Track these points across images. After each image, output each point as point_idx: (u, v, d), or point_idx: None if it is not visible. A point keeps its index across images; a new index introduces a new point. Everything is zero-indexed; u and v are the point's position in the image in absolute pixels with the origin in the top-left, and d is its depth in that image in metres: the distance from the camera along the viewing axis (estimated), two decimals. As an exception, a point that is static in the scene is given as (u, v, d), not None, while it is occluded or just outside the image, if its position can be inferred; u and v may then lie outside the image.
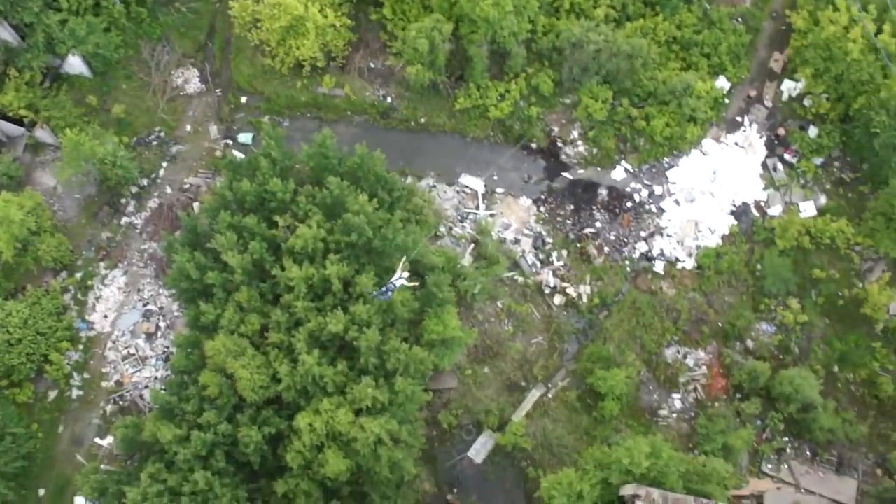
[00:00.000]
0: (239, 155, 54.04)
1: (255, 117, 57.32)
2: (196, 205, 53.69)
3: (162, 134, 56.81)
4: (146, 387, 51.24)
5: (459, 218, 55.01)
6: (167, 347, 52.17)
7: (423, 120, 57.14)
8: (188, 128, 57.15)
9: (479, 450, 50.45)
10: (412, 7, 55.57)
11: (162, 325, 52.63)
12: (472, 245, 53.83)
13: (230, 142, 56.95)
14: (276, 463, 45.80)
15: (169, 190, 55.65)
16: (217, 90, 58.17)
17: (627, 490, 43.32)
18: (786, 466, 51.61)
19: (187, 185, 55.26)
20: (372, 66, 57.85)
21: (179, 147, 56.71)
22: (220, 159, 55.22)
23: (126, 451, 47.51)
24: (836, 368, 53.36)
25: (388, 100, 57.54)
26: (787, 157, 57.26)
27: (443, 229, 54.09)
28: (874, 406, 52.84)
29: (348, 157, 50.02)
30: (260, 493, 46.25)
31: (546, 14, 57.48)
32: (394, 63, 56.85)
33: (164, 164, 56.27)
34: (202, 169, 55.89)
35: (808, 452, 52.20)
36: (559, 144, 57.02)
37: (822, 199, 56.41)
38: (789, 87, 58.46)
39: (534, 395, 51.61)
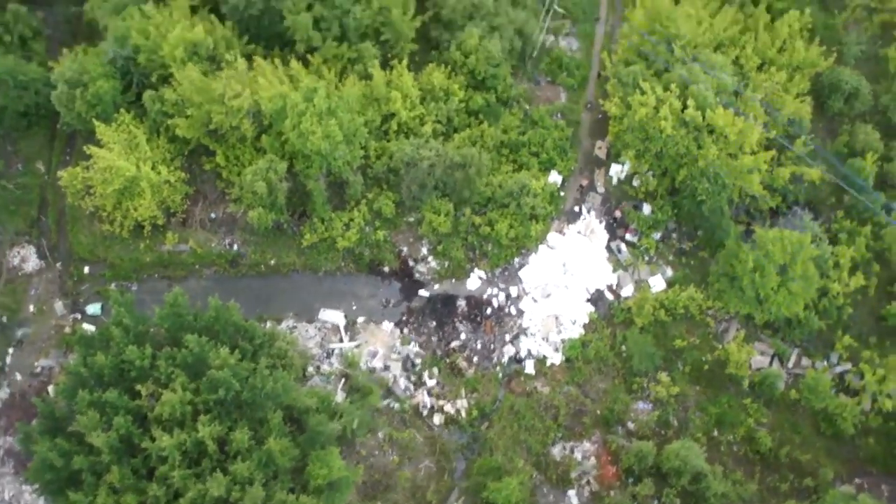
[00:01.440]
0: (90, 328, 61.41)
1: (102, 286, 65.11)
2: (51, 388, 59.55)
3: (4, 319, 62.42)
4: None
5: (325, 354, 63.77)
6: (39, 552, 56.22)
7: (272, 262, 66.36)
8: (31, 308, 63.76)
9: (387, 589, 57.24)
10: (244, 151, 65.39)
11: (30, 527, 56.69)
12: (343, 380, 62.38)
13: (79, 316, 64.28)
14: None
15: (19, 377, 61.53)
16: (57, 264, 65.66)
17: None
18: (690, 539, 61.16)
19: (39, 369, 61.35)
20: (213, 216, 67.07)
21: (25, 330, 63.21)
22: (70, 336, 62.13)
23: None
24: (715, 433, 64.96)
25: (235, 247, 66.52)
26: (628, 237, 70.37)
27: (311, 369, 62.56)
28: (757, 461, 65.09)
29: (203, 313, 57.81)
30: None
31: (376, 138, 68.87)
32: (234, 210, 66.24)
33: (11, 351, 62.63)
34: (53, 349, 61.65)
35: (707, 520, 62.06)
36: (411, 263, 67.55)
37: (669, 272, 69.35)
38: (617, 171, 72.16)
39: (433, 522, 59.45)
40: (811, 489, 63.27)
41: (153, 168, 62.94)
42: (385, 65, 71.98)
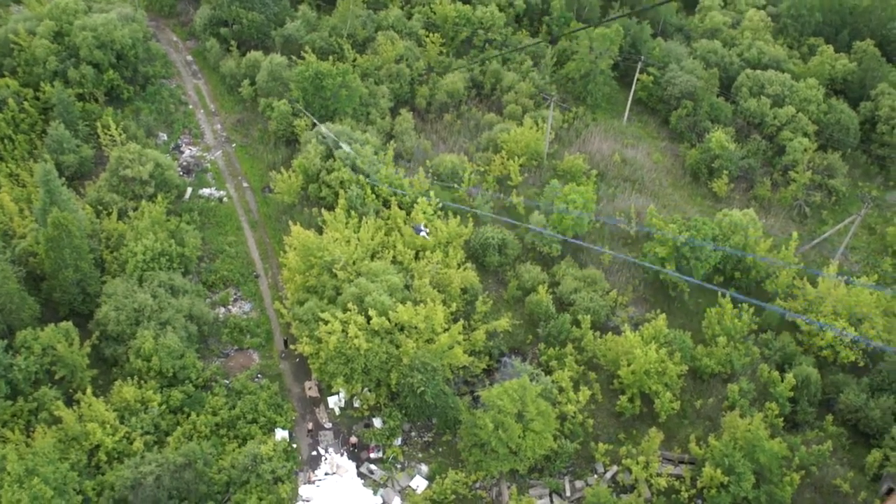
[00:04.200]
0: None
1: None
2: None
3: None
4: None
5: None
6: None
7: None
8: None
9: None
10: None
11: None
12: None
13: None
14: None
15: None
16: None
17: None
18: None
19: None
20: None
21: None
22: None
23: None
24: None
25: None
26: (373, 455, 73.20)
27: None
28: None
29: None
30: None
31: (90, 476, 68.01)
32: None
33: None
34: None
35: None
36: (177, 584, 64.38)
37: (424, 468, 73.10)
38: (335, 401, 76.00)
39: None
40: None
41: None
42: (70, 401, 71.58)
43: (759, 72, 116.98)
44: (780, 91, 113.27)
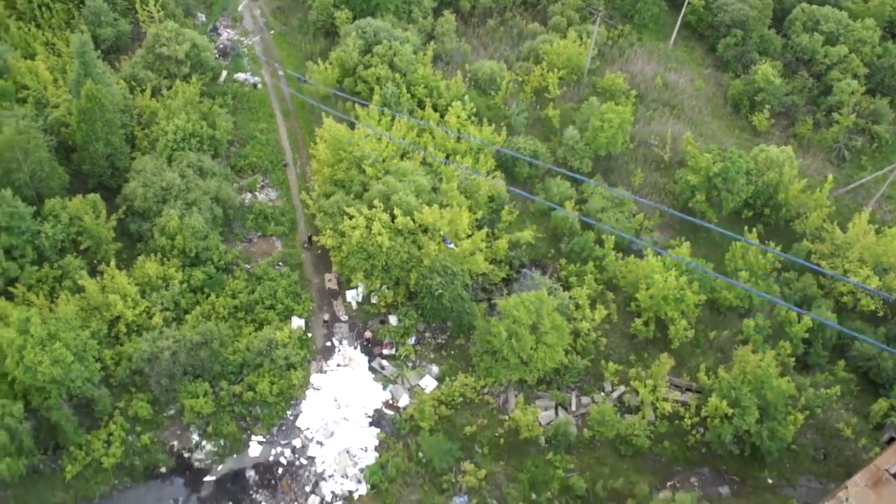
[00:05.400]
0: None
1: None
2: None
3: None
4: None
5: (129, 580, 61.78)
6: None
7: (40, 511, 63.86)
8: None
9: None
10: (-28, 408, 63.25)
11: None
12: None
13: None
14: None
15: None
16: None
17: None
18: None
19: None
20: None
21: None
22: None
23: None
24: (533, 496, 69.58)
25: (-9, 508, 63.39)
26: (385, 352, 75.26)
27: None
28: (582, 506, 69.24)
29: None
30: None
31: (109, 346, 69.59)
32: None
33: None
34: None
35: (557, 581, 65.88)
36: (186, 455, 68.40)
37: (435, 369, 74.63)
38: (353, 296, 77.44)
39: None
40: (635, 509, 69.16)
41: None
42: (94, 272, 73.61)
43: (815, 7, 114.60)
44: (834, 29, 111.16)
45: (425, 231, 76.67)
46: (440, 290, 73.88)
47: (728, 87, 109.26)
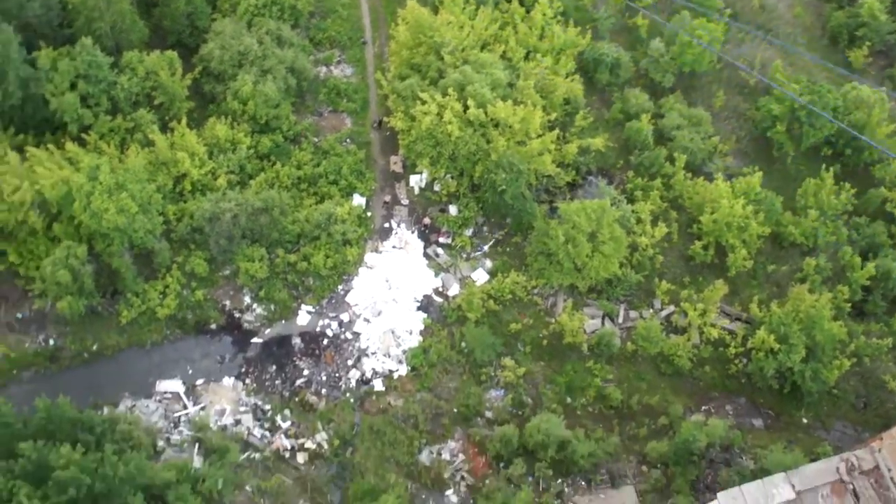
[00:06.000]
0: None
1: None
2: None
3: None
4: None
5: (172, 424, 65.68)
6: None
7: (94, 347, 67.71)
8: None
9: None
10: (38, 244, 66.60)
11: None
12: (197, 445, 64.35)
13: None
14: None
15: None
16: None
17: None
18: (571, 504, 66.30)
19: None
20: (20, 316, 67.73)
21: None
22: None
23: None
24: (568, 400, 71.07)
25: (52, 342, 67.50)
26: (441, 240, 76.38)
27: (161, 443, 64.16)
28: (613, 416, 71.62)
29: (32, 417, 57.66)
30: None
31: (172, 202, 71.85)
32: (41, 305, 66.82)
33: None
34: None
35: (582, 483, 68.71)
36: (237, 315, 70.52)
37: (488, 263, 75.45)
38: (416, 181, 78.10)
39: (319, 559, 62.00)
40: (666, 427, 70.03)
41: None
42: (165, 128, 74.91)
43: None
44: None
45: (496, 126, 76.28)
46: (503, 186, 74.00)
47: (829, 18, 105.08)
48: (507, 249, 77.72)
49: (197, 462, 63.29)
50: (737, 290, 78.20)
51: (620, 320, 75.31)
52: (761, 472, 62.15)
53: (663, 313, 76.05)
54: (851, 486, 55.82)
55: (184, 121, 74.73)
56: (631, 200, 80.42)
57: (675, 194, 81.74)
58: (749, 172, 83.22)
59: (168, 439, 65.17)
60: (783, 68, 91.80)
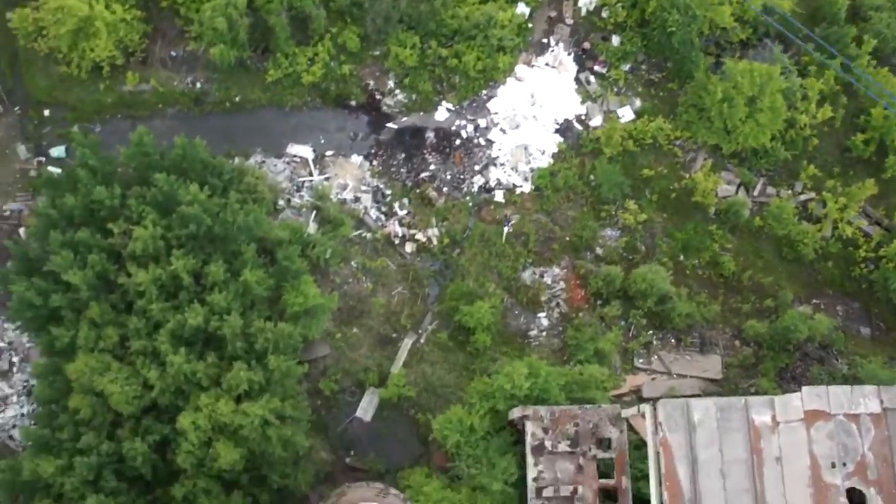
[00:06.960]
0: (56, 171, 64.71)
1: (64, 128, 68.09)
2: (22, 230, 62.66)
3: (-37, 166, 65.20)
4: (14, 426, 59.99)
5: (295, 188, 68.24)
6: (26, 381, 61.48)
7: (237, 99, 69.61)
8: (-8, 153, 66.10)
9: (367, 408, 63.86)
10: (201, -13, 66.81)
11: (15, 359, 62.46)
12: (314, 212, 66.79)
13: (43, 159, 67.73)
14: (168, 469, 56.16)
15: (-13, 221, 64.32)
16: (16, 108, 68.08)
17: (515, 413, 57.74)
18: (656, 358, 68.48)
19: (7, 213, 65.22)
20: (174, 54, 69.86)
21: (-13, 175, 65.43)
22: (36, 179, 65.09)
23: (8, 496, 55.56)
24: (681, 257, 70.73)
25: (198, 85, 69.52)
26: (596, 68, 74.40)
27: (281, 202, 66.91)
28: (721, 284, 71.23)
29: (169, 151, 61.11)
30: (159, 503, 55.61)
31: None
32: (195, 47, 68.61)
33: (-25, 197, 64.96)
34: (19, 192, 65.03)
35: (672, 340, 69.16)
36: (378, 97, 71.36)
37: (637, 103, 73.88)
38: (585, 3, 76.13)
39: (406, 344, 65.93)
40: (771, 309, 69.64)
41: (107, 7, 64.20)
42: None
43: None
44: None
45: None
46: (673, 28, 70.96)
47: None
48: (660, 94, 75.33)
49: (311, 228, 66.09)
50: (886, 193, 74.56)
51: (756, 193, 73.40)
52: (853, 380, 62.18)
53: (802, 197, 73.66)
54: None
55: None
56: (802, 74, 75.92)
57: (852, 77, 76.89)
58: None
59: (289, 200, 67.88)
60: None
